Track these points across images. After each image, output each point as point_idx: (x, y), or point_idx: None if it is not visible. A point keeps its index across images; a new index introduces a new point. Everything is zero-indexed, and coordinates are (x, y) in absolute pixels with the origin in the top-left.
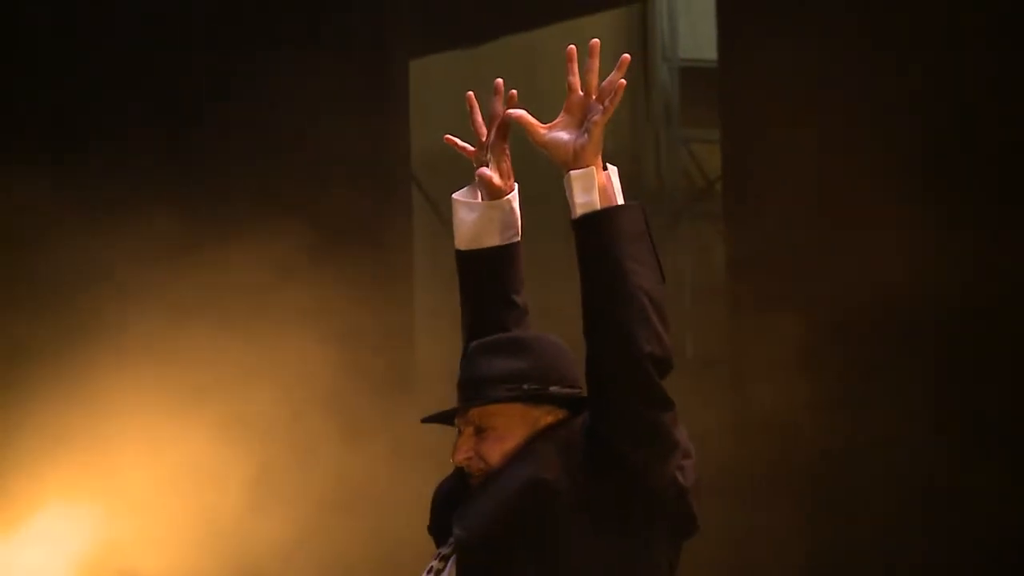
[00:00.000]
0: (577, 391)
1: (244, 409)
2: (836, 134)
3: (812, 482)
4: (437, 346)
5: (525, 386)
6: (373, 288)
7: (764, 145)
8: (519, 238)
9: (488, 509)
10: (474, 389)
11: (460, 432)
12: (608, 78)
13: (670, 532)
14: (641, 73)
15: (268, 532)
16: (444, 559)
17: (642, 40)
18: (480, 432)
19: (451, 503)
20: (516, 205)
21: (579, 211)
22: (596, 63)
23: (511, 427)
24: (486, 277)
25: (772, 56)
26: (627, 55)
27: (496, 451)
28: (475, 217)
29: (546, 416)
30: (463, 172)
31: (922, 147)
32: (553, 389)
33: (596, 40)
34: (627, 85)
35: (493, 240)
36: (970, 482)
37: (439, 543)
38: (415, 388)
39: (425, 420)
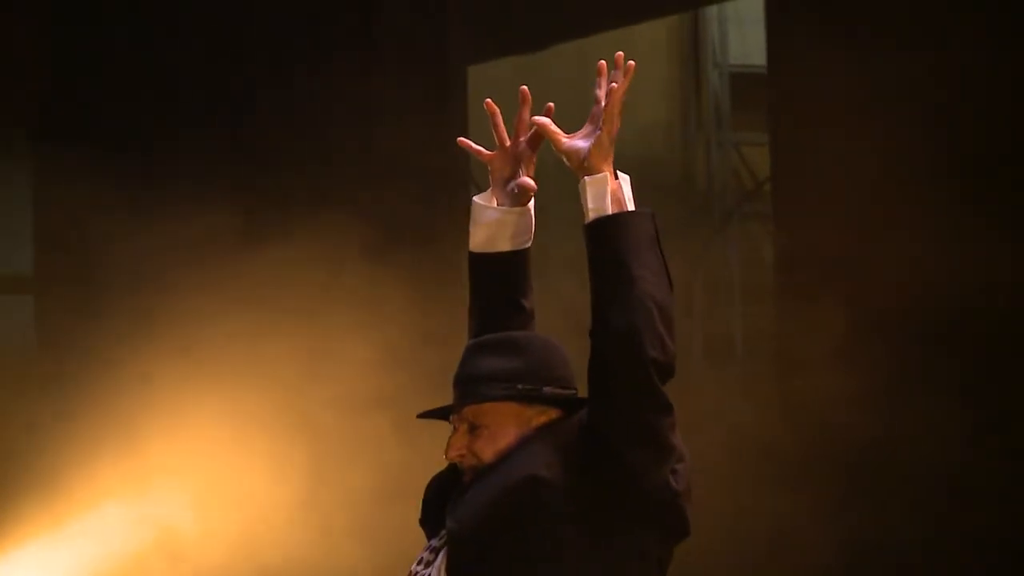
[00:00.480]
0: (571, 392)
1: (300, 404)
2: (882, 137)
3: (849, 470)
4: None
5: (519, 386)
6: (429, 286)
7: (812, 147)
8: (530, 244)
9: (480, 503)
10: (469, 387)
11: (455, 429)
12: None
13: (661, 533)
14: (692, 78)
15: (322, 525)
16: (435, 551)
17: (693, 47)
18: (474, 429)
19: (443, 497)
20: (532, 212)
21: (591, 216)
22: (621, 76)
23: (504, 425)
24: (497, 280)
25: (819, 61)
26: (632, 61)
27: (489, 448)
28: (493, 221)
29: (539, 416)
30: None
31: (972, 149)
32: (547, 389)
33: (621, 53)
34: (680, 91)
35: (506, 245)
36: (1003, 479)
37: (430, 536)
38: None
39: (421, 416)
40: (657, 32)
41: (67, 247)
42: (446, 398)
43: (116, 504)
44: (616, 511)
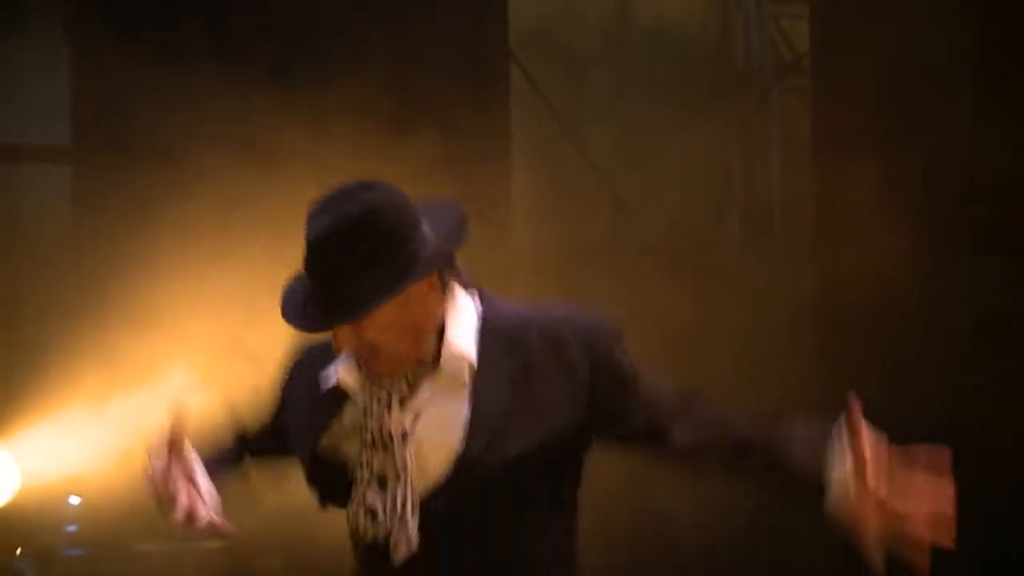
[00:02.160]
0: (444, 253)
1: None
2: (922, 10)
3: (898, 321)
4: (535, 225)
5: (390, 272)
6: (470, 168)
7: (851, 20)
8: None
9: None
10: (335, 291)
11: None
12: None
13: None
14: None
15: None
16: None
17: None
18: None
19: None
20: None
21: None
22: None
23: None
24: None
25: None
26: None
27: (394, 340)
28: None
29: (416, 286)
30: (561, 51)
31: (1012, 23)
32: (412, 254)
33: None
34: None
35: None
36: None
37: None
38: (513, 268)
39: (305, 329)
40: None
41: (104, 118)
42: (494, 281)
43: (160, 368)
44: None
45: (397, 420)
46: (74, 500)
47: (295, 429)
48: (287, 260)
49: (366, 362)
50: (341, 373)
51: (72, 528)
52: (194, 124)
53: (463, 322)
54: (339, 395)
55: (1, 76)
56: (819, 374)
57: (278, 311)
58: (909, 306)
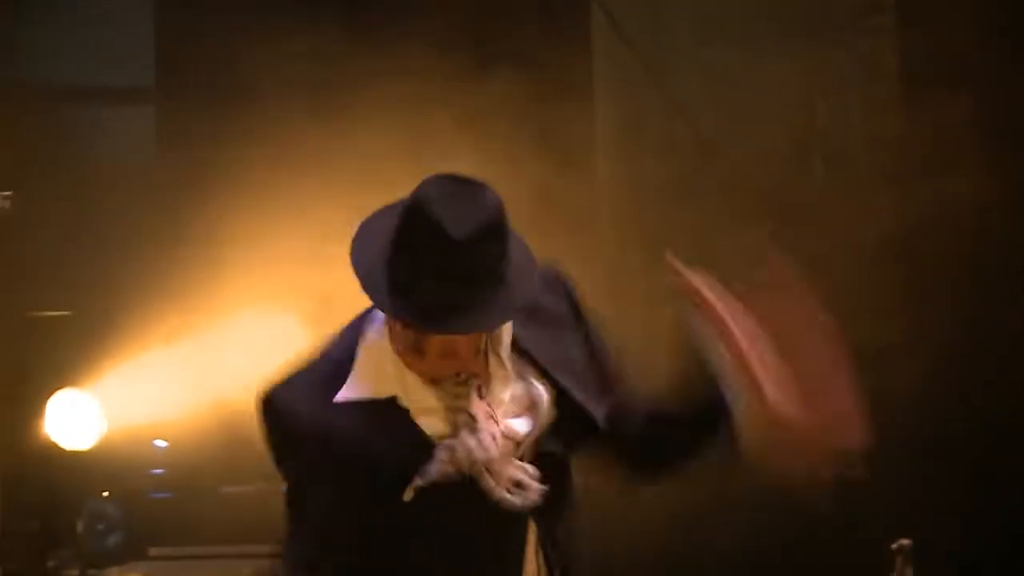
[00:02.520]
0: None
1: None
2: None
3: (985, 260)
4: (619, 164)
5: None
6: (552, 107)
7: None
8: None
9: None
10: (474, 291)
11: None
12: None
13: None
14: None
15: None
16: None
17: None
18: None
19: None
20: None
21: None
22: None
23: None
24: None
25: None
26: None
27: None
28: None
29: None
30: None
31: None
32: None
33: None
34: None
35: None
36: None
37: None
38: (595, 208)
39: (448, 332)
40: None
41: (187, 60)
42: (580, 219)
43: (244, 308)
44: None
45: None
46: (160, 443)
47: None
48: (361, 204)
49: (443, 367)
50: (417, 413)
51: (158, 471)
52: (274, 64)
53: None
54: (417, 434)
55: (85, 19)
56: (903, 313)
57: (356, 260)
58: (996, 244)
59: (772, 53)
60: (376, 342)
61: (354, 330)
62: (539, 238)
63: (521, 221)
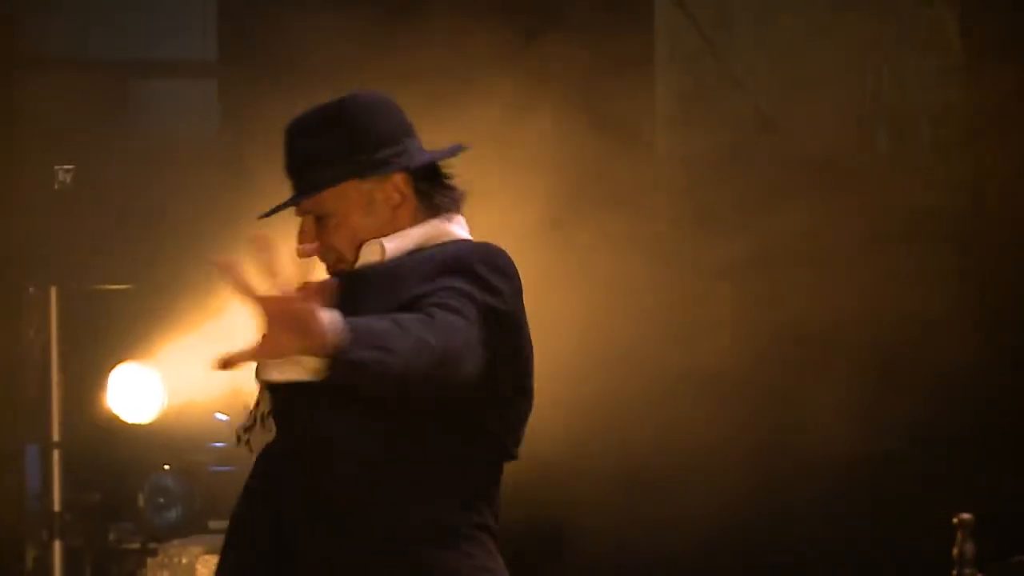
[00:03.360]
0: (399, 147)
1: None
2: None
3: None
4: (677, 137)
5: (350, 161)
6: (612, 78)
7: None
8: None
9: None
10: (298, 177)
11: (303, 222)
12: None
13: None
14: None
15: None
16: None
17: None
18: (320, 219)
19: None
20: None
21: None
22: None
23: (349, 207)
24: None
25: None
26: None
27: (344, 238)
28: None
29: (383, 187)
30: None
31: None
32: (380, 155)
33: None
34: None
35: None
36: None
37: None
38: (655, 180)
39: (263, 216)
40: None
41: (249, 33)
42: (638, 187)
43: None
44: None
45: None
46: (221, 416)
47: None
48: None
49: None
50: None
51: (219, 445)
52: (335, 37)
53: (408, 236)
54: None
55: None
56: (963, 283)
57: None
58: None
59: (835, 24)
60: None
61: None
62: (595, 211)
63: (577, 194)
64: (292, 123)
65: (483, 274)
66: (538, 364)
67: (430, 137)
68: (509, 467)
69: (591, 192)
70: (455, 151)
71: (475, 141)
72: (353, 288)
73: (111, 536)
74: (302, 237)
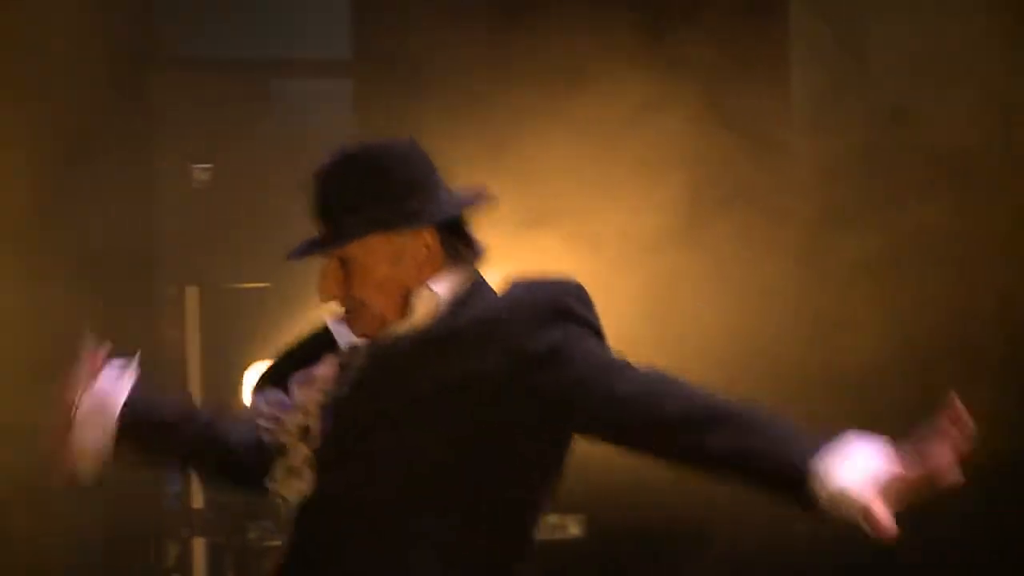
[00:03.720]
0: (444, 211)
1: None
2: None
3: None
4: (812, 135)
5: (378, 213)
6: (746, 74)
7: None
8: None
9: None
10: (326, 224)
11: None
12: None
13: None
14: None
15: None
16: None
17: None
18: (344, 264)
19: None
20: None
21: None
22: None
23: (375, 257)
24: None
25: None
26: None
27: (366, 284)
28: None
29: (411, 240)
30: None
31: None
32: (410, 206)
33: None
34: None
35: None
36: None
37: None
38: (790, 179)
39: (291, 257)
40: None
41: (383, 32)
42: (769, 182)
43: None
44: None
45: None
46: None
47: None
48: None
49: (350, 321)
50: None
51: None
52: (465, 36)
53: (444, 285)
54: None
55: None
56: None
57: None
58: None
59: (968, 22)
60: None
61: None
62: (727, 212)
63: (710, 196)
64: (320, 168)
65: (582, 314)
66: (672, 367)
67: (560, 137)
68: (649, 469)
69: (723, 192)
70: (480, 197)
71: (603, 141)
72: (407, 353)
73: (251, 534)
74: (325, 284)
